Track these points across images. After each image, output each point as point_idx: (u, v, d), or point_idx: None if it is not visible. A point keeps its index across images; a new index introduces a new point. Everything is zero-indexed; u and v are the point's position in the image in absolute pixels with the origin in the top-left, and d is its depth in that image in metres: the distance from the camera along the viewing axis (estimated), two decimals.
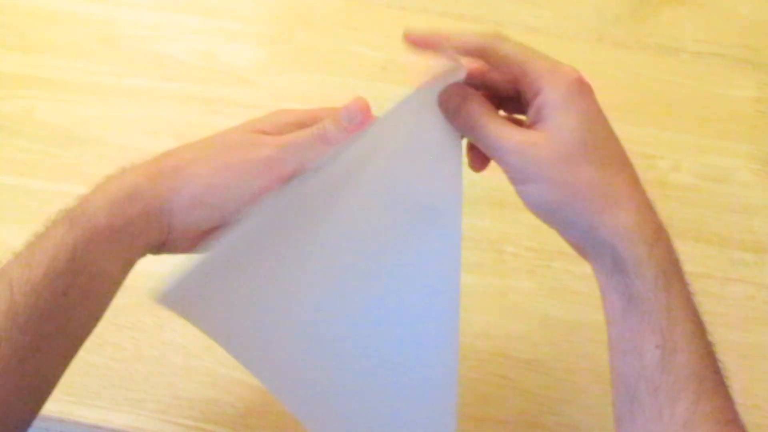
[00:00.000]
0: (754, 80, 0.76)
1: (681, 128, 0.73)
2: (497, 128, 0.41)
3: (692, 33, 0.78)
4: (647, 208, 0.41)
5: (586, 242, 0.41)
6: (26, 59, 0.74)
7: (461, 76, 0.42)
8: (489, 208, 0.66)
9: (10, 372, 0.37)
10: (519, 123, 0.43)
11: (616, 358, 0.40)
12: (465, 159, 0.44)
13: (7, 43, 0.75)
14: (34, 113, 0.71)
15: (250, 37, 0.77)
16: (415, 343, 0.46)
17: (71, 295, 0.39)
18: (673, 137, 0.72)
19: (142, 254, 0.42)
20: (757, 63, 0.77)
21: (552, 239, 0.43)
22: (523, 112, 0.44)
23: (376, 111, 0.45)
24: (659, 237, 0.40)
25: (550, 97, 0.40)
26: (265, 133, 0.43)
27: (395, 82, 0.45)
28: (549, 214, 0.41)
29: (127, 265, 0.42)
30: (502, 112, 0.44)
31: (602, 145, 0.41)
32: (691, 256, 0.66)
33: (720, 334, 0.55)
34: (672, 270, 0.40)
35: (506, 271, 0.64)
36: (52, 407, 0.43)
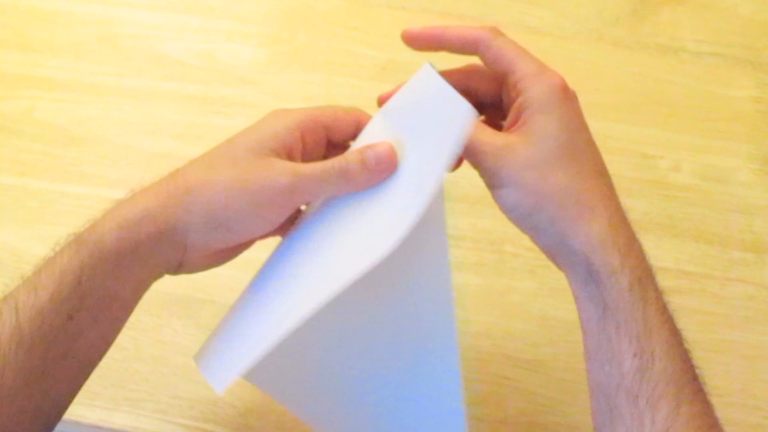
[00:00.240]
0: (754, 80, 0.76)
1: (681, 128, 0.73)
2: (475, 132, 0.40)
3: (692, 33, 0.78)
4: (620, 217, 0.41)
5: (559, 250, 0.41)
6: (26, 59, 0.74)
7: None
8: (489, 208, 0.65)
9: (16, 396, 0.37)
10: (497, 128, 0.43)
11: (593, 368, 0.40)
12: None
13: (7, 43, 0.75)
14: (34, 113, 0.71)
15: (250, 37, 0.77)
16: (421, 377, 0.47)
17: (78, 319, 0.39)
18: (673, 137, 0.72)
19: (157, 276, 0.42)
20: (757, 63, 0.77)
21: None
22: (502, 119, 0.44)
23: (375, 111, 0.46)
24: (632, 246, 0.40)
25: (533, 98, 0.40)
26: (276, 153, 0.41)
27: (395, 82, 0.45)
28: (522, 219, 0.41)
29: (140, 288, 0.42)
30: (482, 117, 0.44)
31: (580, 153, 0.41)
32: (691, 256, 0.66)
33: (720, 334, 0.55)
34: (646, 278, 0.40)
35: (506, 271, 0.64)
36: None
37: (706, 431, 0.38)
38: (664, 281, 0.41)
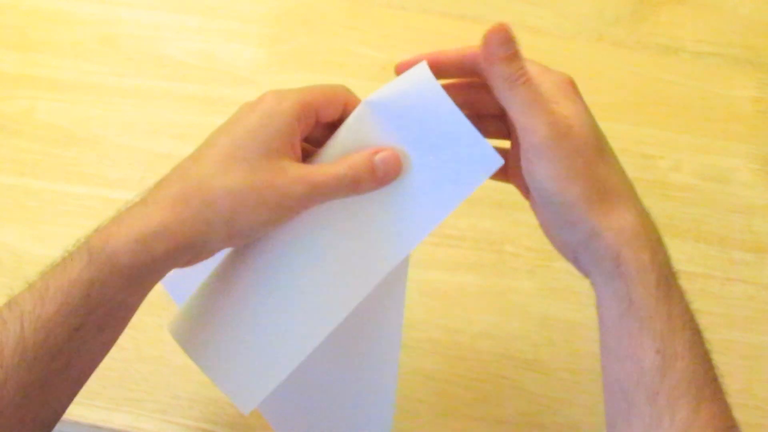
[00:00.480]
0: (754, 80, 0.76)
1: (681, 128, 0.73)
2: (540, 94, 0.39)
3: (692, 33, 0.78)
4: (647, 213, 0.41)
5: (587, 245, 0.40)
6: (26, 59, 0.74)
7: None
8: (489, 208, 0.66)
9: (15, 407, 0.37)
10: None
11: (611, 364, 0.40)
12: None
13: (7, 43, 0.75)
14: (34, 113, 0.71)
15: (250, 37, 0.77)
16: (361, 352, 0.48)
17: (84, 330, 0.39)
18: (673, 137, 0.72)
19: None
20: (757, 63, 0.77)
21: None
22: (506, 132, 0.44)
23: None
24: (660, 243, 0.40)
25: (549, 91, 0.40)
26: (284, 152, 0.41)
27: None
28: (563, 209, 0.40)
29: (147, 293, 0.42)
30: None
31: (607, 145, 0.41)
32: (691, 256, 0.66)
33: (720, 334, 0.55)
34: (672, 276, 0.39)
35: (506, 271, 0.64)
36: None
37: None
38: None
